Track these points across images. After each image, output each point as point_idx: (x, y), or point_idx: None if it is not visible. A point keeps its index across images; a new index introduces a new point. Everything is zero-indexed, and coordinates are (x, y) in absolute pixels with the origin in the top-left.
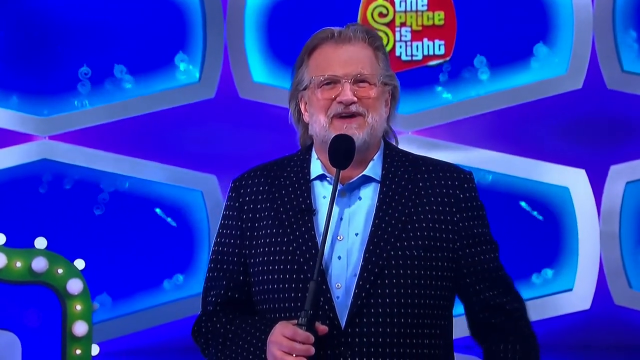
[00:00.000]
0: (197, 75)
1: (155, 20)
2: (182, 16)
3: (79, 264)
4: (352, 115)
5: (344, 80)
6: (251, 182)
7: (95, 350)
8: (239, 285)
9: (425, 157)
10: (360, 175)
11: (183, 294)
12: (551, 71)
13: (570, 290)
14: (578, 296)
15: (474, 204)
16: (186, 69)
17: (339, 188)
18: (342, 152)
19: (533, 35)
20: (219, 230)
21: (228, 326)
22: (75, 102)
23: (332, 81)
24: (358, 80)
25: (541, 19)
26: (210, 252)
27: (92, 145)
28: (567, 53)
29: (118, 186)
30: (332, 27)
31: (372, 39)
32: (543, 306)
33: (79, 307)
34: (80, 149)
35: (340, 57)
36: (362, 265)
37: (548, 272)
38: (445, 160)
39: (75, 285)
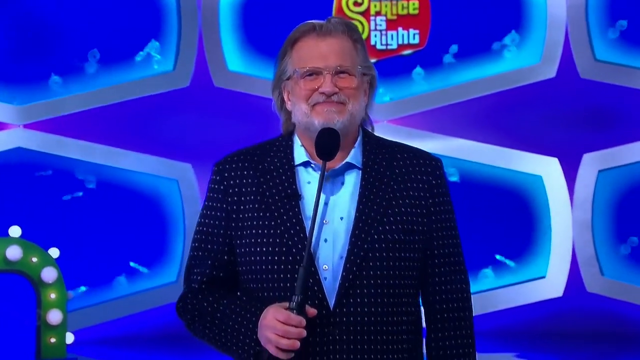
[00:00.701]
0: (172, 63)
1: (130, 8)
2: (156, 5)
3: (54, 252)
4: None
5: (325, 72)
6: (235, 166)
7: (69, 338)
8: (223, 264)
9: (398, 143)
10: (344, 162)
11: (158, 282)
12: (525, 60)
13: (543, 277)
14: (551, 284)
15: (444, 190)
16: (160, 58)
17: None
18: (328, 145)
19: (507, 24)
20: (202, 211)
21: (215, 305)
22: (50, 91)
23: (314, 72)
24: (339, 72)
25: (515, 8)
26: (185, 237)
27: (67, 133)
28: (540, 42)
29: (93, 175)
30: (313, 21)
31: (351, 32)
32: (516, 294)
33: (53, 296)
34: (55, 138)
35: (321, 50)
36: (348, 248)
37: (520, 260)
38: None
39: (49, 274)
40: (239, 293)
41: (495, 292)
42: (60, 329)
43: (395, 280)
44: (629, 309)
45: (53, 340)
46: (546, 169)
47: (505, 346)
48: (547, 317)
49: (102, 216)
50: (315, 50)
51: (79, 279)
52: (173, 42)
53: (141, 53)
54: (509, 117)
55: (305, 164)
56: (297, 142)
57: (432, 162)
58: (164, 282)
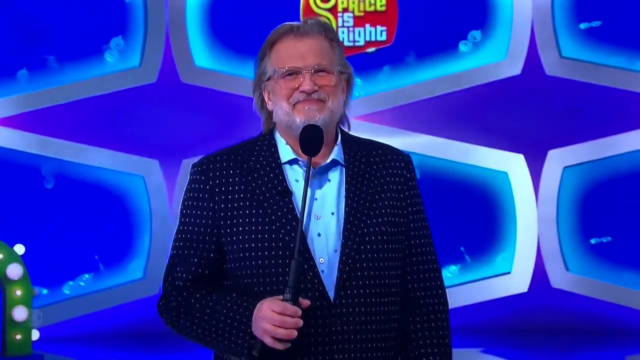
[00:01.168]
0: (139, 59)
1: (96, 3)
2: (122, 0)
3: (19, 249)
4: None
5: (304, 71)
6: (219, 166)
7: (35, 335)
8: (209, 262)
9: (371, 140)
10: (331, 159)
11: (125, 278)
12: (491, 57)
13: (509, 273)
14: (516, 279)
15: (416, 184)
16: (127, 53)
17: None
18: (312, 141)
19: (473, 21)
20: (185, 211)
21: (203, 301)
22: (16, 87)
23: (294, 72)
24: (317, 70)
25: (481, 5)
26: (152, 234)
27: (33, 130)
28: (506, 39)
29: (59, 171)
30: (291, 22)
31: (328, 32)
32: (481, 289)
33: (18, 292)
34: (20, 134)
35: (300, 50)
36: (342, 242)
37: (486, 256)
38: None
39: (15, 271)
40: (221, 289)
41: (460, 287)
42: (26, 326)
43: (385, 272)
44: (594, 304)
45: (18, 337)
46: (512, 166)
47: (470, 341)
48: (512, 312)
49: (68, 213)
50: (294, 51)
51: (45, 275)
52: (140, 38)
53: (107, 48)
54: (474, 113)
55: (291, 162)
56: (280, 140)
57: (404, 158)
58: (130, 278)
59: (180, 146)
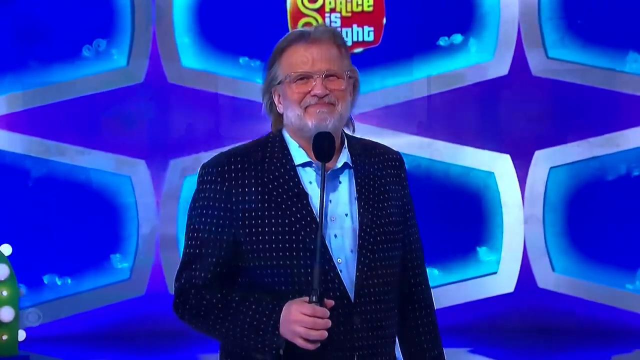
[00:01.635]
0: (125, 59)
1: (83, 4)
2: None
3: (6, 249)
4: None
5: (316, 76)
6: (234, 167)
7: (21, 335)
8: (227, 261)
9: (366, 140)
10: (344, 162)
11: (111, 279)
12: (478, 58)
13: (495, 273)
14: (502, 279)
15: (407, 182)
16: (114, 53)
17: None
18: (325, 147)
19: (461, 21)
20: (199, 211)
21: (224, 301)
22: (3, 87)
23: (305, 77)
24: (328, 75)
25: (468, 6)
26: (138, 234)
27: (19, 130)
28: (493, 40)
29: (46, 172)
30: (301, 29)
31: (337, 38)
32: (468, 289)
33: (5, 293)
34: (7, 134)
35: (311, 56)
36: (359, 242)
37: (472, 256)
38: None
39: (1, 271)
40: (240, 289)
41: (447, 287)
42: (12, 326)
43: (392, 269)
44: (579, 304)
45: (5, 337)
46: (498, 166)
47: (458, 341)
48: (499, 312)
49: (55, 214)
50: (305, 56)
51: (31, 276)
52: (127, 38)
53: (93, 48)
54: (461, 114)
55: (304, 165)
56: (292, 142)
57: (397, 157)
58: (117, 279)
59: (167, 146)
